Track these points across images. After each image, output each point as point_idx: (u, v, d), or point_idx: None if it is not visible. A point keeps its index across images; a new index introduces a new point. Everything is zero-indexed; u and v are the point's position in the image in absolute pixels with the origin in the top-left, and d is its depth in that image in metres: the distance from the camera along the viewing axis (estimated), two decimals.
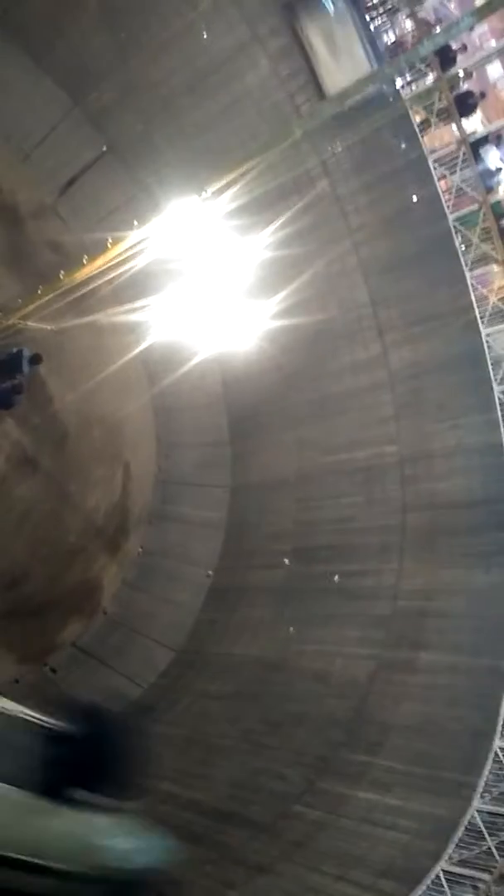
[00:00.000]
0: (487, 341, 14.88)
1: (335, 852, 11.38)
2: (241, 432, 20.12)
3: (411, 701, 14.31)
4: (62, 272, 12.06)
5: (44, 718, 5.48)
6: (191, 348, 15.71)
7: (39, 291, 12.33)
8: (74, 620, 18.44)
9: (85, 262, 11.57)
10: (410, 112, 13.56)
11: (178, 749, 14.80)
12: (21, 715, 5.51)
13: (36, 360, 13.99)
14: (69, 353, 17.28)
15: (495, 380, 15.00)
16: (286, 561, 18.50)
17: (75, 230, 17.07)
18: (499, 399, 14.99)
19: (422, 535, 16.60)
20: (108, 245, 11.17)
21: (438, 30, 13.13)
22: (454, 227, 14.25)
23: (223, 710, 15.91)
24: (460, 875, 10.27)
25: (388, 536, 17.00)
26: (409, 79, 13.88)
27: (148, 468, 20.42)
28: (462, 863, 10.49)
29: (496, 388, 15.00)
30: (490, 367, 14.96)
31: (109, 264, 11.37)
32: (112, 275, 11.50)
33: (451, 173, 13.80)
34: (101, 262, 11.39)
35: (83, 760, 5.78)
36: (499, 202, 14.50)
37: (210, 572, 19.78)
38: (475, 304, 14.58)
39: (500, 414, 15.09)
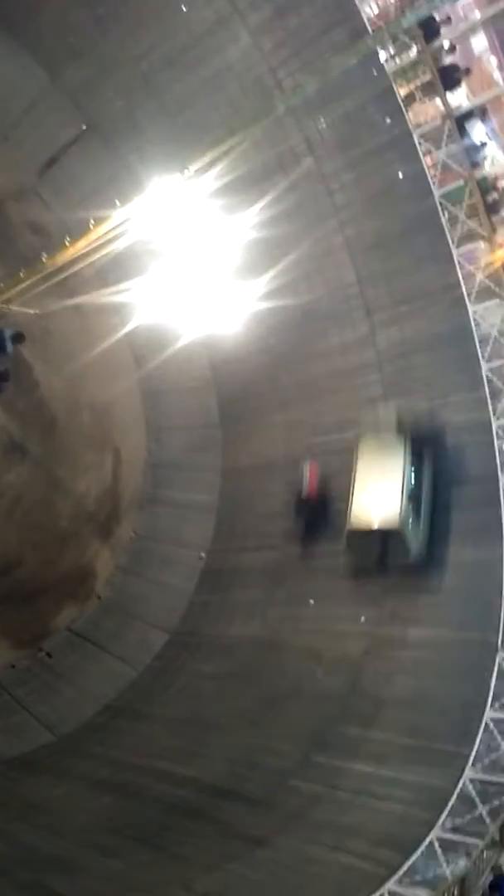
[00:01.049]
0: (475, 318, 14.92)
1: (331, 824, 11.53)
2: (230, 415, 20.12)
3: (403, 675, 14.44)
4: (44, 254, 12.00)
5: None
6: (178, 330, 15.65)
7: (22, 275, 12.26)
8: (68, 605, 18.50)
9: (67, 243, 11.52)
10: (395, 86, 13.47)
11: (174, 728, 14.96)
12: None
13: (18, 338, 13.88)
14: (54, 337, 17.22)
15: (483, 357, 15.06)
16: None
17: (57, 211, 16.91)
18: (486, 377, 15.06)
19: None
20: (91, 226, 11.12)
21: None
22: (440, 203, 14.25)
23: (218, 690, 16.03)
24: (453, 841, 10.44)
25: None
26: (392, 52, 13.77)
27: (138, 452, 20.41)
28: (455, 830, 10.67)
29: (484, 366, 15.06)
30: (478, 344, 15.02)
31: (92, 245, 11.33)
32: (95, 256, 11.46)
33: (437, 149, 13.76)
34: (83, 244, 11.35)
35: None
36: (485, 178, 14.50)
37: (203, 555, 19.83)
38: (462, 282, 14.60)
39: (487, 391, 15.16)
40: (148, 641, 18.49)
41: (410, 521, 15.14)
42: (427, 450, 15.92)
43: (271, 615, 17.59)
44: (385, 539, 15.22)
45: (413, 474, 15.48)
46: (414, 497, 15.37)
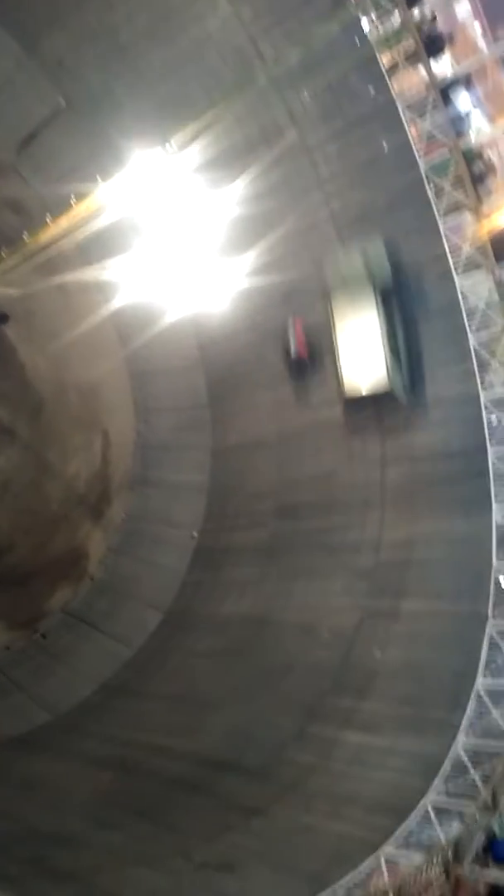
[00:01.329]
0: (462, 291, 14.89)
1: (327, 792, 11.70)
2: (219, 394, 20.05)
3: (396, 647, 14.58)
4: (26, 233, 11.87)
5: None
6: (163, 308, 15.57)
7: (3, 254, 12.14)
8: (62, 587, 18.54)
9: (49, 221, 11.41)
10: (378, 55, 13.28)
11: (171, 704, 15.07)
12: None
13: (2, 319, 13.78)
14: (38, 318, 17.07)
15: (470, 330, 15.04)
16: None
17: (37, 189, 16.57)
18: (474, 349, 15.05)
19: (402, 487, 16.74)
20: (72, 203, 11.01)
21: None
22: (426, 174, 14.14)
23: (213, 666, 16.13)
24: (447, 806, 10.61)
25: (368, 490, 17.12)
26: (375, 19, 13.55)
27: (127, 434, 20.36)
28: (448, 795, 10.83)
29: (472, 339, 15.05)
30: (465, 317, 15.00)
31: (74, 223, 11.23)
32: (78, 234, 11.35)
33: (422, 118, 13.62)
34: (65, 221, 11.25)
35: None
36: (470, 148, 14.39)
37: (194, 534, 19.86)
38: (449, 254, 14.54)
39: (475, 364, 15.17)
40: (142, 621, 18.57)
41: (396, 374, 15.96)
42: (394, 291, 16.17)
43: (264, 592, 17.68)
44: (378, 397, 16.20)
45: (388, 324, 16.02)
46: (394, 348, 16.00)
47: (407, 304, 16.15)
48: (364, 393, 16.30)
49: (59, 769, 13.15)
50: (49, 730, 15.28)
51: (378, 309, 15.87)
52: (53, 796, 11.91)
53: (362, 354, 16.02)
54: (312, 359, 17.65)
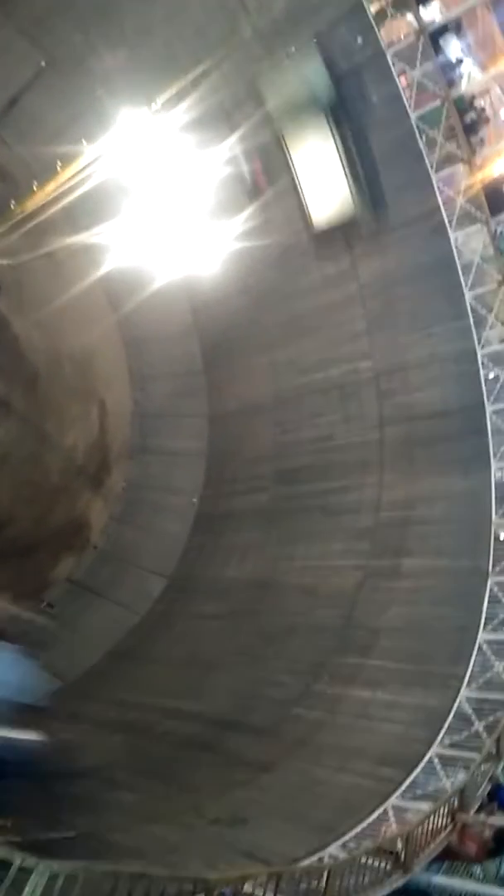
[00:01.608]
0: (456, 245, 14.73)
1: (335, 747, 11.94)
2: (214, 359, 19.98)
3: (398, 605, 14.76)
4: (13, 202, 11.68)
5: None
6: (154, 273, 15.36)
7: None
8: (66, 557, 18.68)
9: (35, 188, 11.22)
10: (365, 2, 12.89)
11: (178, 668, 15.28)
12: None
13: None
14: (29, 289, 16.92)
15: (466, 285, 14.92)
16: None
17: (21, 155, 16.27)
18: (470, 305, 14.95)
19: (400, 447, 16.78)
20: (58, 168, 10.82)
21: None
22: (417, 126, 13.88)
23: (218, 629, 16.33)
24: (452, 757, 10.85)
25: (367, 451, 17.17)
26: None
27: (124, 403, 20.34)
28: (453, 746, 11.09)
29: (467, 294, 14.94)
30: (461, 272, 14.86)
31: (61, 188, 11.05)
32: (65, 200, 11.17)
33: (411, 68, 13.32)
34: (52, 187, 11.06)
35: None
36: (461, 97, 14.10)
37: (195, 500, 19.95)
38: (442, 208, 14.36)
39: (472, 320, 15.08)
40: (147, 587, 18.75)
41: (359, 197, 15.17)
42: (343, 106, 14.94)
43: (265, 555, 17.83)
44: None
45: (343, 144, 14.96)
46: (353, 171, 15.11)
47: (357, 116, 15.09)
48: (332, 222, 15.65)
49: (71, 734, 13.37)
50: (60, 696, 15.50)
51: (332, 130, 14.77)
52: (66, 760, 12.12)
53: (324, 183, 15.22)
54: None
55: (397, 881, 7.76)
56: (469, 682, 12.07)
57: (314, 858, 8.17)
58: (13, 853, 4.99)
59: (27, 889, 4.96)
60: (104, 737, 13.13)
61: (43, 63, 15.69)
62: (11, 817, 8.61)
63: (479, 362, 14.97)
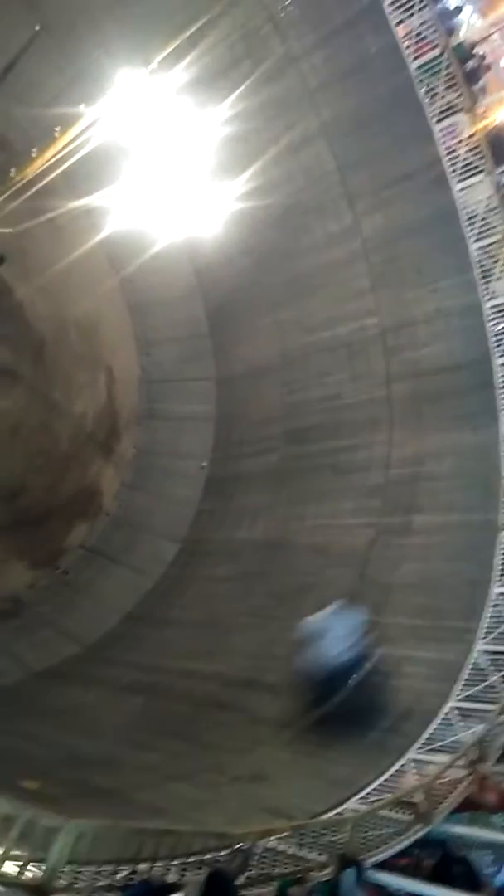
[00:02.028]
0: (460, 197, 14.46)
1: None
2: (219, 322, 19.87)
3: (410, 561, 14.86)
4: (12, 169, 11.51)
5: None
6: (157, 237, 15.20)
7: None
8: (79, 524, 18.84)
9: (34, 154, 11.04)
10: None
11: (194, 629, 15.48)
12: None
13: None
14: (32, 257, 16.77)
15: (470, 237, 14.69)
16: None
17: (19, 121, 16.00)
18: (476, 257, 14.73)
19: (408, 403, 16.74)
20: (57, 133, 10.63)
21: None
22: (416, 76, 13.53)
23: (232, 591, 16.51)
24: (469, 710, 11.02)
25: (375, 409, 17.14)
26: None
27: (130, 369, 20.30)
28: (470, 699, 11.24)
29: (472, 247, 14.71)
30: (464, 224, 14.62)
31: (61, 154, 10.86)
32: (65, 165, 10.99)
33: (409, 16, 12.93)
34: (51, 153, 10.88)
35: None
36: (461, 44, 13.71)
37: (204, 464, 20.02)
38: (444, 159, 14.07)
39: (477, 273, 14.88)
40: (160, 552, 18.94)
41: None
42: None
43: (276, 516, 17.93)
44: None
45: None
46: None
47: None
48: None
49: (91, 697, 13.65)
50: (78, 661, 15.79)
51: None
52: (88, 723, 12.40)
53: None
54: None
55: (418, 832, 7.95)
56: (484, 636, 12.22)
57: (335, 812, 8.35)
58: (40, 813, 5.10)
59: (55, 848, 5.06)
60: (124, 698, 13.39)
61: (38, 27, 15.33)
62: (39, 779, 8.86)
63: (485, 315, 14.84)
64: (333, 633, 12.19)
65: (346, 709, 11.26)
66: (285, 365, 18.77)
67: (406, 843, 7.72)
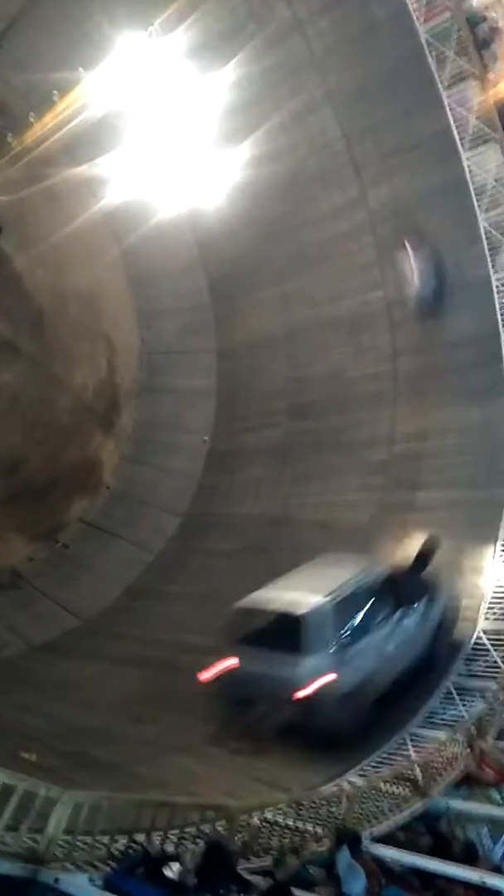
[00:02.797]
0: (469, 167, 14.19)
1: None
2: (222, 294, 19.63)
3: (413, 538, 14.75)
4: (10, 136, 11.28)
5: None
6: (158, 206, 14.96)
7: None
8: (79, 497, 18.75)
9: (33, 121, 10.81)
10: None
11: (195, 604, 15.42)
12: None
13: None
14: (31, 226, 16.50)
15: (480, 209, 14.44)
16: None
17: (18, 87, 15.58)
18: (484, 229, 14.50)
19: (413, 379, 16.56)
20: (55, 98, 10.41)
21: None
22: (426, 41, 13.21)
23: (234, 566, 16.44)
24: (469, 687, 11.02)
25: (380, 384, 16.97)
26: None
27: (131, 341, 20.09)
28: (470, 675, 11.24)
29: (481, 218, 14.47)
30: (473, 194, 14.36)
31: (60, 120, 10.64)
32: (64, 131, 10.78)
33: None
34: (50, 120, 10.66)
35: None
36: (473, 10, 13.40)
37: (206, 438, 19.90)
38: (454, 127, 13.79)
39: (486, 245, 14.65)
40: (160, 526, 18.86)
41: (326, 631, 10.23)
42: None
43: (279, 492, 17.84)
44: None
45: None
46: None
47: None
48: None
49: (90, 671, 13.62)
50: (78, 634, 15.77)
51: None
52: (87, 696, 12.38)
53: None
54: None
55: (416, 806, 7.95)
56: (486, 613, 12.20)
57: (333, 785, 8.36)
58: (38, 785, 5.09)
59: (52, 820, 5.06)
60: (123, 672, 13.38)
61: None
62: (35, 750, 8.85)
63: (494, 289, 14.64)
64: None
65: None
66: (289, 338, 18.56)
67: (404, 816, 7.71)
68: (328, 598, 10.24)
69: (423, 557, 12.21)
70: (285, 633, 9.97)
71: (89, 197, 15.47)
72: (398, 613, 10.98)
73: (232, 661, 10.35)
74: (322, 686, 9.33)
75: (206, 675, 10.51)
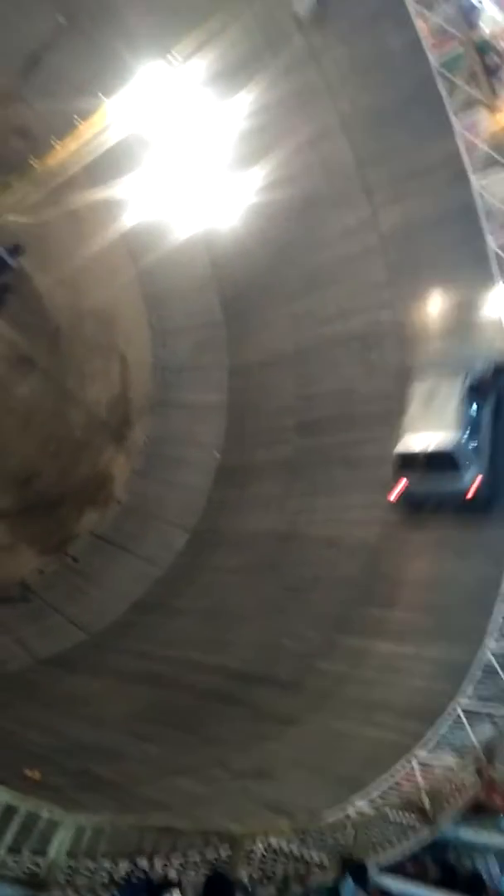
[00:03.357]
0: (478, 191, 14.31)
1: (359, 700, 12.08)
2: (234, 312, 19.78)
3: (421, 557, 14.80)
4: (34, 159, 11.50)
5: None
6: (175, 227, 15.17)
7: (13, 183, 11.80)
8: (90, 511, 18.89)
9: (55, 144, 11.02)
10: None
11: (202, 620, 15.50)
12: None
13: (17, 251, 13.54)
14: (51, 246, 16.77)
15: (489, 232, 14.54)
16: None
17: (42, 112, 15.98)
18: (493, 253, 14.60)
19: None
20: (78, 124, 10.61)
21: None
22: (437, 71, 13.37)
23: (241, 582, 16.52)
24: (477, 710, 10.92)
25: (388, 403, 17.00)
26: None
27: (144, 357, 20.27)
28: (478, 699, 11.14)
29: (490, 241, 14.57)
30: (483, 219, 14.47)
31: (81, 144, 10.85)
32: (86, 155, 10.97)
33: (430, 11, 12.78)
34: (72, 143, 10.87)
35: None
36: (483, 39, 13.54)
37: (217, 454, 19.98)
38: (463, 153, 13.92)
39: (495, 268, 14.75)
40: (169, 540, 18.94)
41: (467, 451, 14.15)
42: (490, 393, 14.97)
43: (288, 508, 17.88)
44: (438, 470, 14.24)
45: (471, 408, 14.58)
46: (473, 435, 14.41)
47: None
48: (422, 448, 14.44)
49: (96, 686, 13.71)
50: (84, 648, 15.87)
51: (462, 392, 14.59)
52: (92, 712, 12.44)
53: (433, 416, 14.63)
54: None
55: (424, 835, 7.90)
56: (493, 634, 12.12)
57: (339, 813, 8.33)
58: (41, 806, 5.13)
59: (54, 843, 5.10)
60: (129, 688, 13.45)
61: (62, 20, 15.32)
62: (39, 769, 8.91)
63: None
64: None
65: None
66: (299, 356, 18.67)
67: (411, 846, 7.68)
68: (460, 429, 14.19)
69: None
70: (442, 462, 14.06)
71: (108, 218, 15.70)
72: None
73: (403, 483, 14.70)
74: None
75: (392, 496, 14.90)
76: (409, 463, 14.51)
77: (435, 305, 16.34)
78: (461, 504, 14.18)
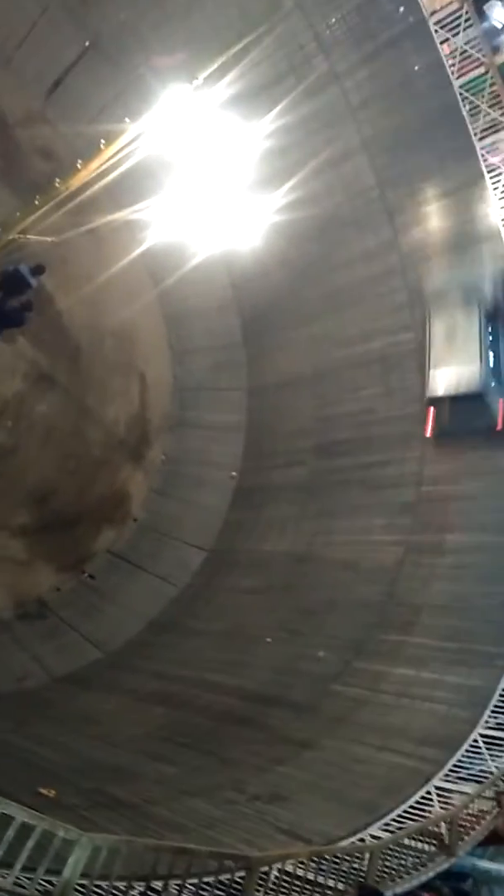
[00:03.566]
0: (502, 214, 14.36)
1: (376, 725, 11.94)
2: (254, 333, 19.88)
3: (440, 581, 14.66)
4: (57, 180, 11.65)
5: None
6: (196, 248, 15.27)
7: (37, 202, 11.95)
8: (107, 529, 18.89)
9: (79, 166, 11.16)
10: None
11: (218, 641, 15.41)
12: None
13: (39, 270, 13.71)
14: (72, 265, 16.95)
15: None
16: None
17: (66, 134, 16.34)
18: None
19: None
20: (101, 146, 10.74)
21: None
22: (460, 94, 13.48)
23: (258, 603, 16.43)
24: (497, 738, 10.76)
25: (408, 425, 16.97)
26: None
27: (163, 376, 20.36)
28: (498, 727, 10.97)
29: None
30: None
31: (105, 166, 10.96)
32: (108, 177, 11.10)
33: (454, 35, 12.91)
34: (95, 165, 10.99)
35: None
36: None
37: (234, 474, 20.00)
38: (486, 176, 13.98)
39: None
40: (186, 560, 18.91)
41: (493, 385, 15.19)
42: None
43: (304, 529, 17.82)
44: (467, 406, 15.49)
45: (491, 340, 15.49)
46: (496, 365, 15.40)
47: None
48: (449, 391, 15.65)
49: (111, 705, 13.63)
50: (100, 667, 15.80)
51: (482, 324, 15.44)
52: (107, 730, 12.36)
53: (456, 356, 15.58)
54: None
55: (441, 864, 7.75)
56: None
57: (355, 838, 8.20)
58: (56, 825, 5.08)
59: (70, 862, 5.05)
60: (144, 708, 13.36)
61: (87, 43, 15.67)
62: (55, 788, 8.84)
63: None
64: None
65: None
66: (318, 378, 18.71)
67: (428, 875, 7.54)
68: (483, 363, 14.98)
69: None
70: (471, 400, 15.14)
71: (129, 239, 15.89)
72: None
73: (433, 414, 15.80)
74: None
75: (427, 433, 15.97)
76: (438, 402, 15.72)
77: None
78: (493, 435, 15.12)
